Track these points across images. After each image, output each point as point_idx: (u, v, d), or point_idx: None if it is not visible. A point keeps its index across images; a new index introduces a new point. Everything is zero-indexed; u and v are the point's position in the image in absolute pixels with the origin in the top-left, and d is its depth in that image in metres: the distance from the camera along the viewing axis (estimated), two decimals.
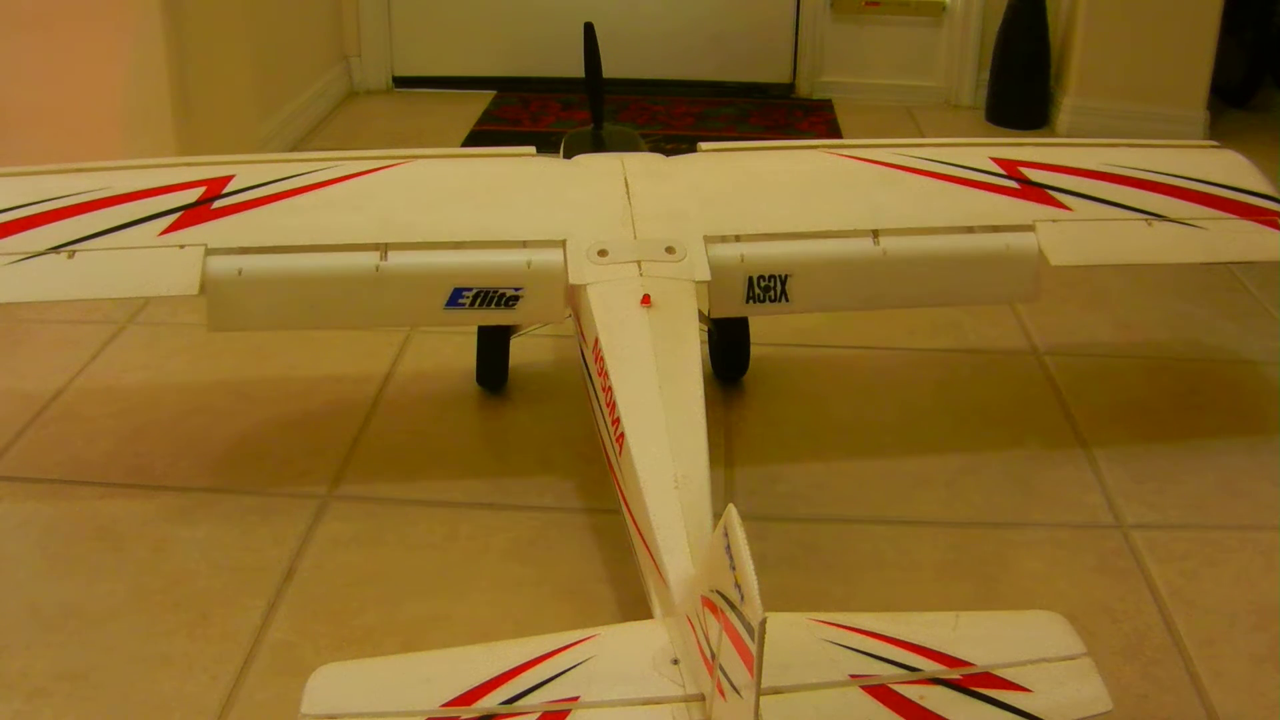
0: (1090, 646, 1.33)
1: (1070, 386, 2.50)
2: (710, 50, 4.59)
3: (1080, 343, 2.71)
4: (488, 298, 1.88)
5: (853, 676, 1.25)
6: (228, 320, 1.87)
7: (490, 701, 1.23)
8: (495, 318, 1.94)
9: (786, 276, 1.94)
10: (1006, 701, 1.25)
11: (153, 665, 1.69)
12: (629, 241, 1.91)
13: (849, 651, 1.27)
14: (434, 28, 4.57)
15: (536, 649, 1.29)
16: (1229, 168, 2.18)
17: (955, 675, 1.27)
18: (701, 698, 1.23)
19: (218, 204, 1.91)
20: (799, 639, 1.27)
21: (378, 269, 1.86)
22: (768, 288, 1.94)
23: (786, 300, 1.95)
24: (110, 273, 1.83)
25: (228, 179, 1.96)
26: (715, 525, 1.26)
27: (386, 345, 2.61)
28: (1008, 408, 2.43)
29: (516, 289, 1.89)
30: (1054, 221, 2.02)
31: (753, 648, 1.07)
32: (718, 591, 1.17)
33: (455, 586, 1.87)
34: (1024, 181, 2.08)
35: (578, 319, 1.95)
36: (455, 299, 1.88)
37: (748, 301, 1.95)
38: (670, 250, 1.90)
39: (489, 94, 4.57)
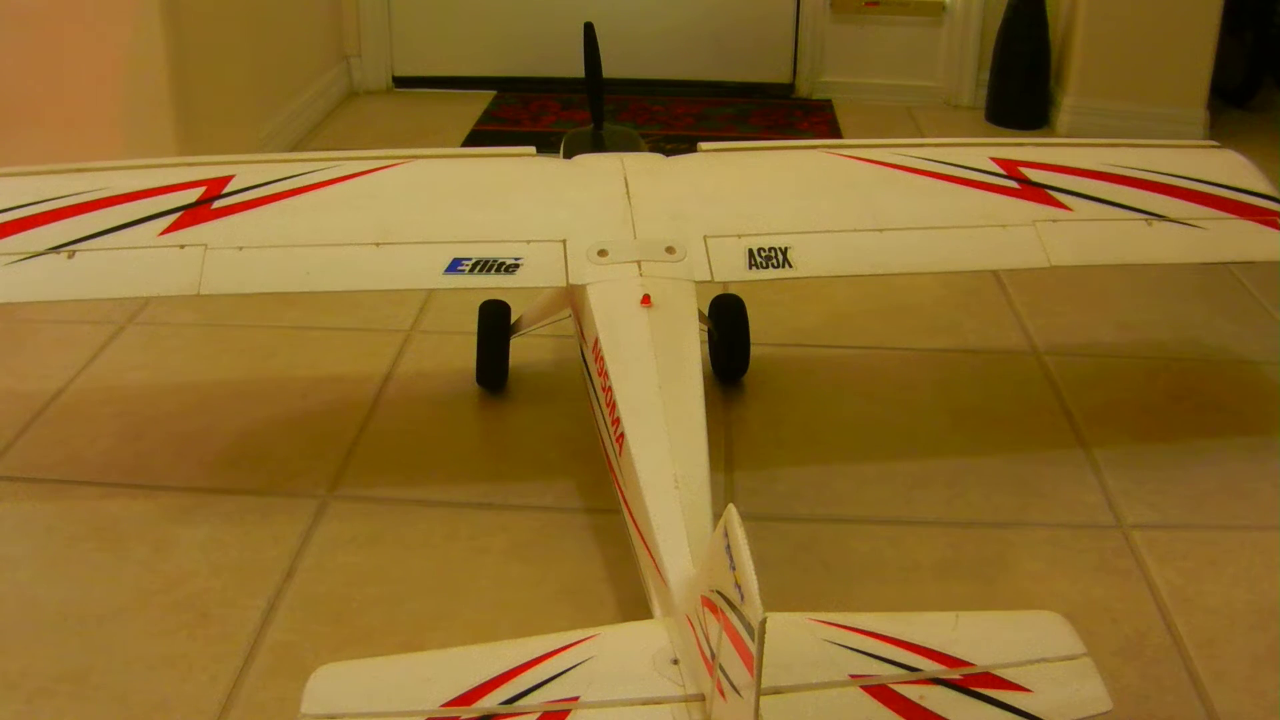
0: (1090, 646, 1.33)
1: (1070, 386, 2.50)
2: (710, 50, 4.59)
3: (1080, 343, 2.71)
4: (487, 265, 1.88)
5: (853, 676, 1.25)
6: (223, 280, 1.85)
7: (490, 701, 1.23)
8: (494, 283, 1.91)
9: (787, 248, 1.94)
10: (1006, 701, 1.25)
11: (153, 665, 1.69)
12: (629, 241, 1.91)
13: (849, 651, 1.27)
14: (434, 28, 4.58)
15: (536, 649, 1.29)
16: (1229, 168, 2.18)
17: (955, 675, 1.27)
18: (701, 698, 1.23)
19: (218, 204, 1.91)
20: (799, 639, 1.27)
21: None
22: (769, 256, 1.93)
23: (789, 266, 1.94)
24: (110, 273, 1.83)
25: (228, 179, 1.96)
26: (715, 525, 1.25)
27: (386, 345, 2.61)
28: (1008, 408, 2.43)
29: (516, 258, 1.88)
30: (1054, 221, 2.02)
31: (753, 648, 1.07)
32: (718, 591, 1.17)
33: (455, 586, 1.87)
34: (1024, 181, 2.08)
35: (578, 319, 1.95)
36: (454, 266, 1.88)
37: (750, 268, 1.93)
38: (670, 250, 1.90)
39: (489, 94, 4.57)
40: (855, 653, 1.27)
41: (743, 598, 1.10)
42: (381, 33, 4.56)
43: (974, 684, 1.26)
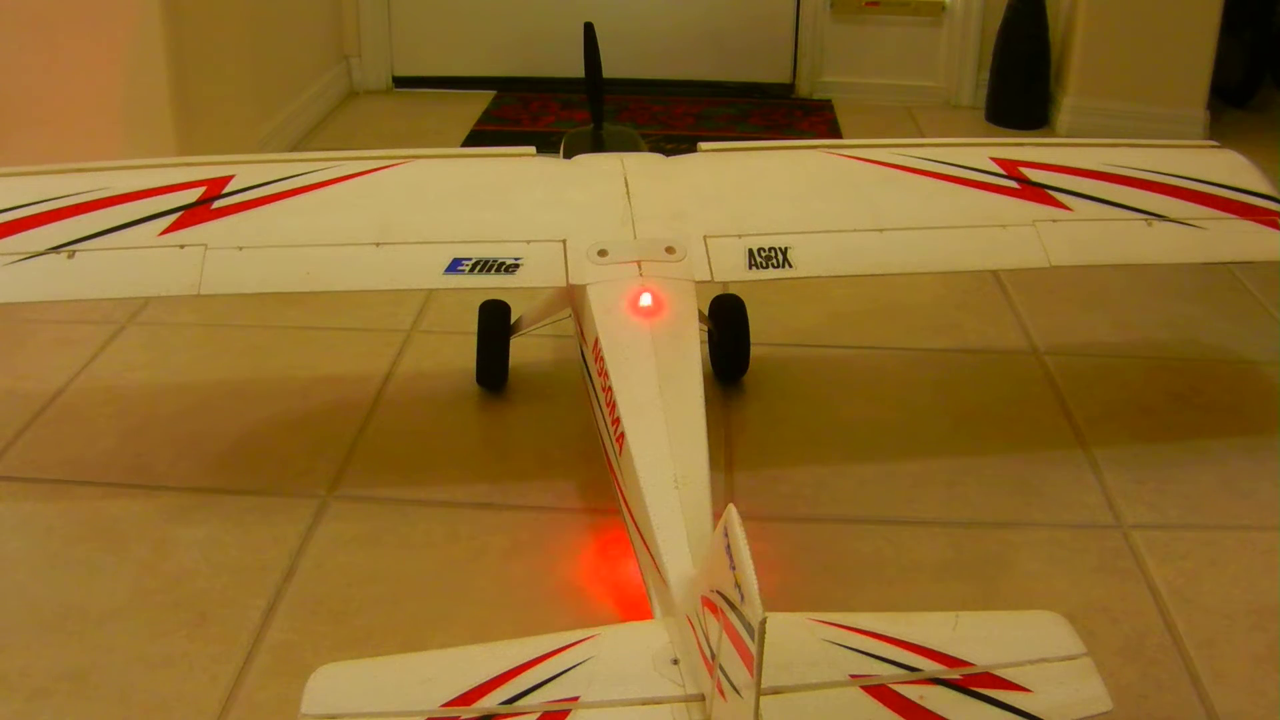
0: (1090, 646, 1.32)
1: (1070, 386, 2.50)
2: (710, 50, 4.59)
3: (1080, 343, 2.71)
4: (487, 265, 1.88)
5: (853, 676, 1.25)
6: (223, 280, 1.84)
7: (490, 701, 1.23)
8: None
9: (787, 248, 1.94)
10: (1006, 701, 1.25)
11: (153, 665, 1.69)
12: (629, 241, 1.91)
13: (849, 651, 1.27)
14: (434, 28, 4.58)
15: (536, 649, 1.29)
16: (1229, 168, 2.18)
17: (955, 675, 1.27)
18: (701, 698, 1.23)
19: (218, 204, 1.91)
20: (799, 639, 1.27)
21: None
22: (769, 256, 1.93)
23: (789, 266, 1.94)
24: (110, 273, 1.83)
25: (228, 179, 1.96)
26: (715, 525, 1.25)
27: (386, 345, 2.61)
28: (1008, 408, 2.43)
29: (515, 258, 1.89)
30: (1054, 221, 2.02)
31: (753, 648, 1.07)
32: (718, 591, 1.17)
33: (455, 586, 1.87)
34: (1024, 181, 2.08)
35: (578, 319, 1.95)
36: (454, 266, 1.88)
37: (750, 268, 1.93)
38: (670, 250, 1.90)
39: (489, 94, 4.57)
40: (855, 653, 1.27)
41: (743, 598, 1.10)
42: (381, 33, 4.56)
43: (974, 684, 1.26)
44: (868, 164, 2.11)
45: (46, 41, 2.94)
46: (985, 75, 4.41)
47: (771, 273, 1.92)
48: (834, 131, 4.26)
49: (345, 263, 1.88)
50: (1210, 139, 2.72)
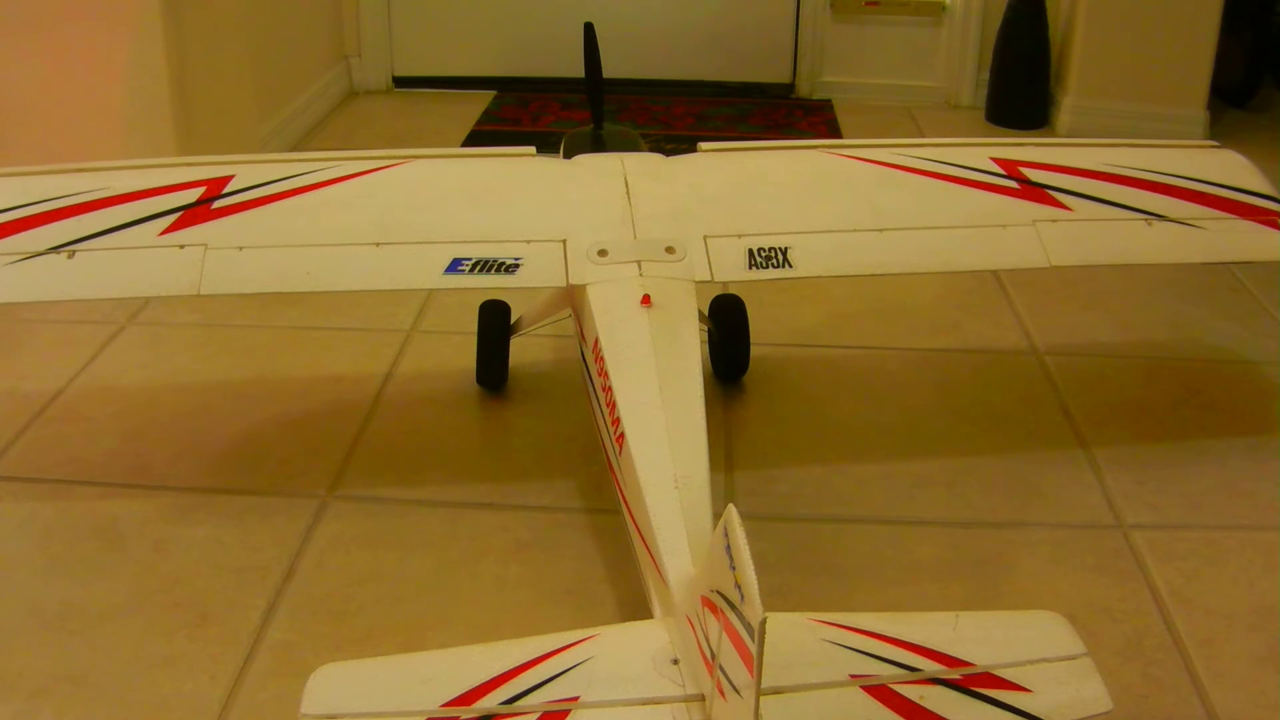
0: (1090, 646, 1.33)
1: (1070, 386, 2.50)
2: (710, 50, 4.59)
3: (1080, 343, 2.71)
4: (487, 265, 1.88)
5: (853, 676, 1.25)
6: (223, 280, 1.84)
7: (490, 701, 1.23)
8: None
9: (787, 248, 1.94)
10: (1006, 701, 1.25)
11: (153, 665, 1.69)
12: (629, 241, 1.91)
13: (849, 651, 1.27)
14: (434, 28, 4.58)
15: (536, 649, 1.29)
16: (1229, 168, 2.18)
17: (955, 675, 1.27)
18: (701, 698, 1.23)
19: (218, 204, 1.91)
20: (799, 639, 1.27)
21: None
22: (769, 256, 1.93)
23: (789, 266, 1.94)
24: (110, 273, 1.83)
25: (228, 179, 1.96)
26: (715, 525, 1.26)
27: (386, 345, 2.61)
28: (1008, 408, 2.43)
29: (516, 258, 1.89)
30: (1054, 221, 2.03)
31: (753, 648, 1.07)
32: (718, 591, 1.17)
33: (455, 586, 1.87)
34: (1024, 181, 2.08)
35: (578, 319, 1.95)
36: (454, 266, 1.88)
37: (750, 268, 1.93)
38: (670, 250, 1.90)
39: (489, 94, 4.57)
40: (855, 653, 1.27)
41: (743, 598, 1.10)
42: (381, 33, 4.56)
43: (974, 684, 1.26)
44: (868, 164, 2.11)
45: (46, 41, 2.94)
46: (985, 75, 4.41)
47: (771, 273, 1.92)
48: (834, 131, 4.26)
49: (345, 263, 1.88)
50: (1210, 139, 2.72)
